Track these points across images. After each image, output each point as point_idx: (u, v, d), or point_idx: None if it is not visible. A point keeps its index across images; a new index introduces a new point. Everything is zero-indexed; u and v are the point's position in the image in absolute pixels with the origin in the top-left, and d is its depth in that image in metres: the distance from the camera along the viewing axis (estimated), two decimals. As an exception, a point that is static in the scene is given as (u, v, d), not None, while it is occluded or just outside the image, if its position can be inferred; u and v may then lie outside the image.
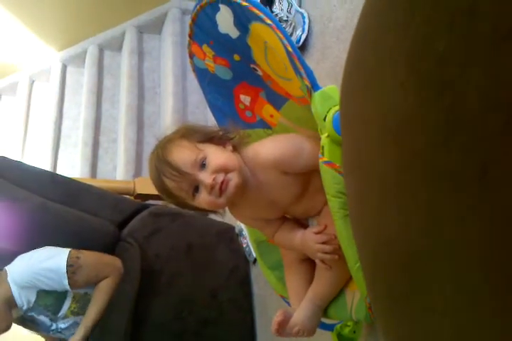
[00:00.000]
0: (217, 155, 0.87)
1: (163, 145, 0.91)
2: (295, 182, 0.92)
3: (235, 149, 0.93)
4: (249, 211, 0.99)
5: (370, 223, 0.33)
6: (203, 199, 0.87)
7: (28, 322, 1.68)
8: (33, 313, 1.63)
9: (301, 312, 0.96)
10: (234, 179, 0.86)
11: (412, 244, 0.29)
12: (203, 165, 0.86)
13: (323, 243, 0.89)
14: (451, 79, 0.23)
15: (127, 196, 2.31)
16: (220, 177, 0.85)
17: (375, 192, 0.31)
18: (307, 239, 0.92)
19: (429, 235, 0.27)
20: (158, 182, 0.90)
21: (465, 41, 0.23)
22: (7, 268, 1.59)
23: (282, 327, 0.96)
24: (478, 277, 0.25)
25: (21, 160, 2.03)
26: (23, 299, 1.59)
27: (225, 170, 0.86)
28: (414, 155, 0.26)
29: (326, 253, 0.89)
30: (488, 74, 0.22)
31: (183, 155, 0.87)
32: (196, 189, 0.87)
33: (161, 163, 0.88)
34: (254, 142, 0.97)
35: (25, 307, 1.61)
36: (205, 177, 0.85)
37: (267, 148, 0.91)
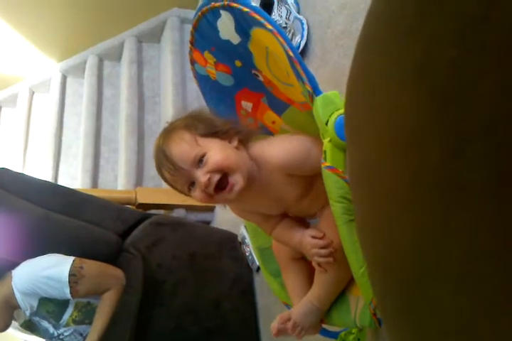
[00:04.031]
0: (216, 154, 0.84)
1: (166, 134, 0.90)
2: (299, 183, 0.91)
3: (243, 143, 0.91)
4: (249, 205, 0.98)
5: (380, 237, 0.32)
6: (197, 195, 0.86)
7: (33, 326, 1.69)
8: (37, 318, 1.64)
9: (297, 308, 0.96)
10: (238, 183, 0.84)
11: (424, 257, 0.28)
12: (200, 162, 0.84)
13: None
14: (462, 90, 0.23)
15: (129, 206, 2.31)
16: (215, 178, 0.83)
17: (383, 205, 0.31)
18: (304, 242, 0.91)
19: (439, 246, 0.27)
20: (158, 170, 0.90)
21: (477, 51, 0.22)
22: (13, 271, 1.60)
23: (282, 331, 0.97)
24: (493, 289, 0.24)
25: (23, 172, 2.03)
26: (26, 304, 1.60)
27: (222, 170, 0.83)
28: (424, 167, 0.26)
29: (321, 256, 0.88)
30: (500, 84, 0.22)
31: (180, 149, 0.85)
32: (192, 184, 0.86)
33: (160, 153, 0.87)
34: (263, 138, 0.95)
35: (28, 312, 1.61)
36: (201, 175, 0.83)
37: (276, 150, 0.90)
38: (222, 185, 0.84)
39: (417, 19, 0.25)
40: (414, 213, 0.28)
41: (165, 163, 0.86)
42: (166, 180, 0.90)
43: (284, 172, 0.89)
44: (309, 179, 0.91)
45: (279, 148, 0.90)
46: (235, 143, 0.90)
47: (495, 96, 0.22)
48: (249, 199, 0.94)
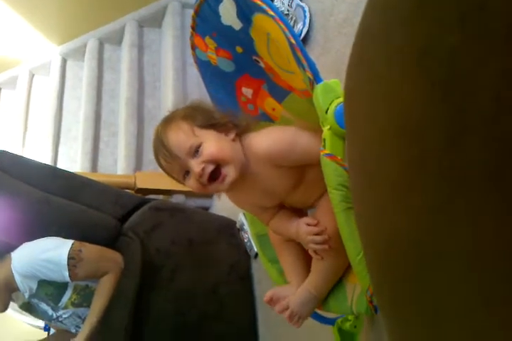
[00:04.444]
0: (212, 144, 0.87)
1: (165, 122, 0.93)
2: (288, 174, 0.92)
3: (239, 137, 0.93)
4: (244, 196, 0.99)
5: (378, 224, 0.32)
6: (192, 184, 0.88)
7: (32, 308, 1.70)
8: (35, 300, 1.65)
9: (295, 297, 0.97)
10: (231, 175, 0.86)
11: (422, 245, 0.28)
12: (196, 152, 0.86)
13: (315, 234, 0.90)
14: (463, 78, 0.23)
15: (128, 190, 2.31)
16: (209, 168, 0.85)
17: (381, 192, 0.31)
18: (300, 231, 0.92)
19: (439, 235, 0.27)
20: (156, 157, 0.93)
21: (477, 38, 0.22)
22: (12, 254, 1.62)
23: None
24: (493, 277, 0.25)
25: (22, 154, 2.03)
26: (25, 286, 1.61)
27: (216, 162, 0.86)
28: (423, 155, 0.26)
29: (317, 243, 0.89)
30: (501, 72, 0.22)
31: (178, 138, 0.88)
32: (187, 172, 0.88)
33: (158, 141, 0.90)
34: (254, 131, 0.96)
35: (27, 294, 1.63)
36: (195, 165, 0.85)
37: (261, 141, 0.91)
38: (215, 175, 0.86)
39: (418, 6, 0.25)
40: (415, 202, 0.28)
41: (162, 150, 0.89)
42: (162, 168, 0.93)
43: (271, 163, 0.90)
44: (299, 170, 0.92)
45: (263, 139, 0.92)
46: (232, 136, 0.92)
47: (496, 84, 0.22)
48: (243, 191, 0.96)
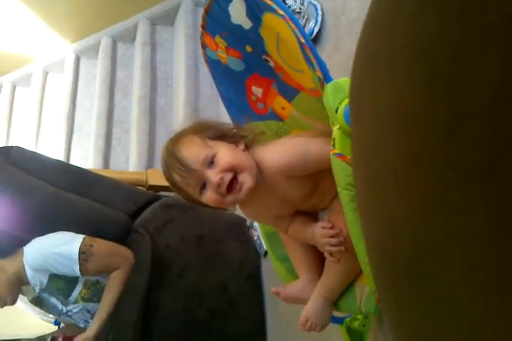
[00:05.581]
0: (226, 154, 0.86)
1: (175, 139, 0.92)
2: (302, 182, 0.92)
3: (248, 148, 0.93)
4: (259, 209, 0.99)
5: (377, 215, 0.33)
6: (209, 197, 0.87)
7: (42, 303, 1.72)
8: (45, 294, 1.67)
9: (311, 305, 0.97)
10: (247, 182, 0.85)
11: (419, 236, 0.28)
12: (211, 163, 0.86)
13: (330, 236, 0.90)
14: (462, 73, 0.23)
15: (139, 187, 2.32)
16: (228, 177, 0.84)
17: (383, 184, 0.31)
18: (316, 234, 0.92)
19: (436, 227, 0.27)
20: (167, 175, 0.91)
21: (476, 32, 0.22)
22: (25, 248, 1.64)
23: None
24: (489, 267, 0.25)
25: (35, 151, 2.05)
26: (36, 280, 1.63)
27: (233, 170, 0.85)
28: (423, 148, 0.26)
29: (332, 245, 0.89)
30: (500, 66, 0.22)
31: (192, 151, 0.87)
32: (204, 186, 0.87)
33: (171, 157, 0.89)
34: (265, 142, 0.97)
35: (37, 288, 1.64)
36: (213, 175, 0.85)
37: (272, 155, 0.91)
38: (231, 186, 0.85)
39: (417, 3, 0.25)
40: (413, 192, 0.28)
41: (176, 165, 0.87)
42: (175, 185, 0.91)
43: (284, 175, 0.90)
44: (313, 179, 0.92)
45: (274, 153, 0.91)
46: (242, 146, 0.92)
47: (495, 75, 0.22)
48: (257, 204, 0.95)
